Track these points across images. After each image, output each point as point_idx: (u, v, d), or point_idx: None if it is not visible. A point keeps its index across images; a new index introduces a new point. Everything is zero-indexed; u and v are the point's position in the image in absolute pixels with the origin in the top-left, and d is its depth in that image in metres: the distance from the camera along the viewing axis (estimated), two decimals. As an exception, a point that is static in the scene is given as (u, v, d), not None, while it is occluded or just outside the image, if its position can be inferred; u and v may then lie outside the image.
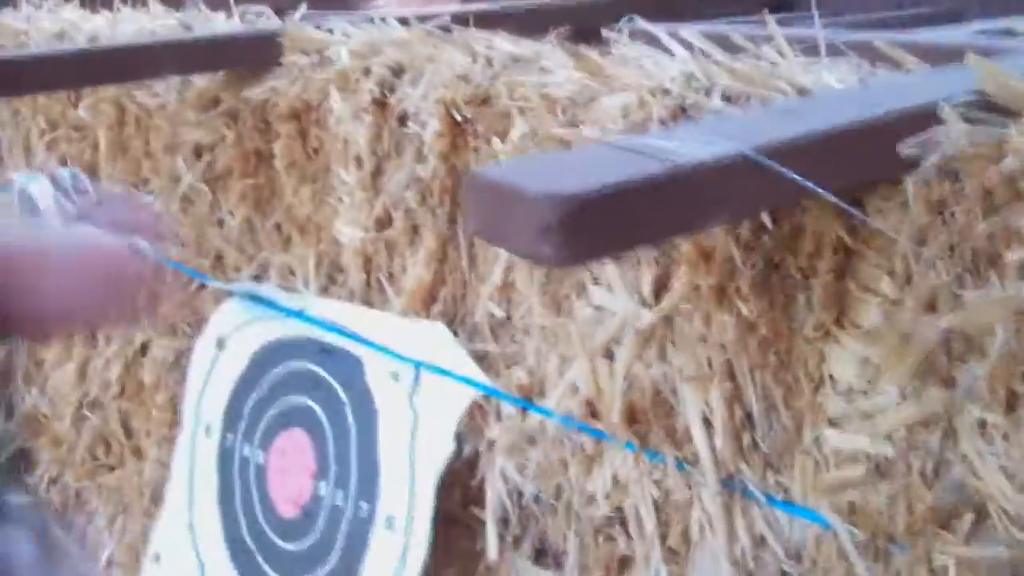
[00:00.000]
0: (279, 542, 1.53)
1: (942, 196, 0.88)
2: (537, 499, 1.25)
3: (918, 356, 0.91)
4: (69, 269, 0.30)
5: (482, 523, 1.31)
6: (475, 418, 1.32)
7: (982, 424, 0.88)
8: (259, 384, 1.58)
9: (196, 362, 1.70)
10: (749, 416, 1.06)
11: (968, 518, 0.90)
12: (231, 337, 1.64)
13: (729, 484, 1.06)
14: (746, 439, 1.05)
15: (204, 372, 1.67)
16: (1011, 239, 0.84)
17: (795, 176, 0.79)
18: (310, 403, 1.50)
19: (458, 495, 1.35)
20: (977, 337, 0.87)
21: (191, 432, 1.69)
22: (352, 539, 1.41)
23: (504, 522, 1.29)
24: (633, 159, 0.81)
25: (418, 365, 1.35)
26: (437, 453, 1.30)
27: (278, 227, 1.67)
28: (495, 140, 1.29)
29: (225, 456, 1.62)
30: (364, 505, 1.39)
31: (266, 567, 1.54)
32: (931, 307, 0.91)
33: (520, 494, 1.27)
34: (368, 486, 1.39)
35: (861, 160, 0.89)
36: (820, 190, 0.81)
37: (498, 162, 1.16)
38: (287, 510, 1.53)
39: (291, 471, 1.53)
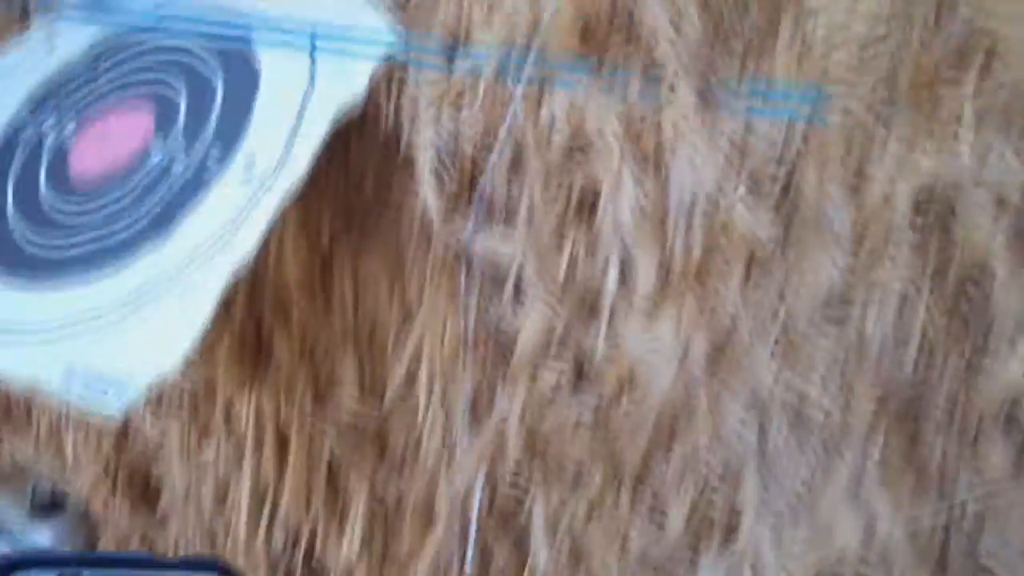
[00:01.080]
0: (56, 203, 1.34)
1: None
2: (477, 145, 1.17)
3: None
4: None
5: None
6: (394, 80, 1.22)
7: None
8: (94, 69, 1.37)
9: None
10: (720, 15, 1.01)
11: (978, 61, 0.90)
12: (63, 36, 1.43)
13: (706, 86, 1.03)
14: (720, 35, 1.02)
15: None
16: None
17: None
18: (165, 78, 1.32)
19: (385, 166, 1.25)
20: None
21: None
22: (183, 192, 1.23)
23: (440, 180, 1.20)
24: None
25: (314, 36, 1.22)
26: (337, 99, 1.18)
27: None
28: None
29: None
30: (215, 152, 1.23)
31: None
32: None
33: (458, 145, 1.18)
34: (230, 134, 1.26)
35: None
36: None
37: None
38: (85, 172, 1.34)
39: (113, 137, 1.33)
